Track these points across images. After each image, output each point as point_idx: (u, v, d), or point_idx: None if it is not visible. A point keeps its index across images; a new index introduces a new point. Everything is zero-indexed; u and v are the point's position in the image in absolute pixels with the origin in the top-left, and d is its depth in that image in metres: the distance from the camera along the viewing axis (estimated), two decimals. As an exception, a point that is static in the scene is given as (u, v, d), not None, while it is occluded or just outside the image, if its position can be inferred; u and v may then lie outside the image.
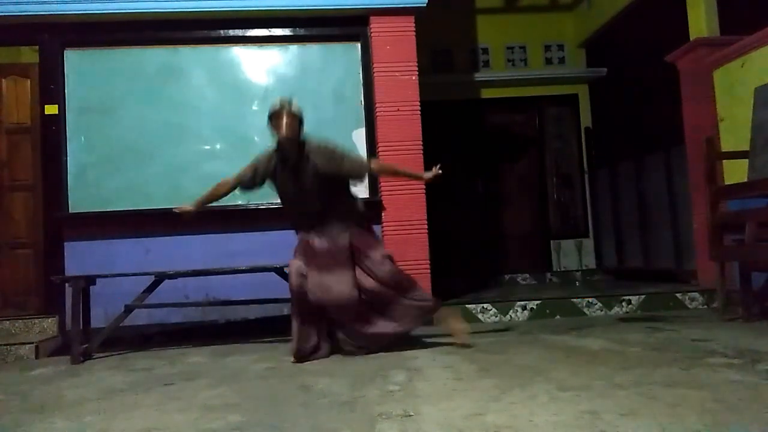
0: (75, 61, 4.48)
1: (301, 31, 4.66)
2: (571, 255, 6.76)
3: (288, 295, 4.08)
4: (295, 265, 3.21)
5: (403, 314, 3.22)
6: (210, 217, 4.42)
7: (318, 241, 3.22)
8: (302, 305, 3.20)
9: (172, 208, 3.50)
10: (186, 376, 2.95)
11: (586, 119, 6.87)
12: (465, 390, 2.30)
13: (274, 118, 3.13)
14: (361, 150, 4.62)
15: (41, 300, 4.40)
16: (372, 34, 4.59)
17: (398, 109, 4.53)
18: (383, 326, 3.21)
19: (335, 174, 3.15)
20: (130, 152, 4.46)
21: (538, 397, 2.11)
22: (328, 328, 3.28)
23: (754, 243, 3.52)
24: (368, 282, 3.18)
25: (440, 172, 3.30)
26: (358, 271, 3.19)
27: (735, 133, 4.35)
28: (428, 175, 3.34)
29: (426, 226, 4.46)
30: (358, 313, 3.16)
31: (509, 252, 6.76)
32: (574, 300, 4.46)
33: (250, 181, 3.32)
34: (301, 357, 3.17)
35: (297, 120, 3.13)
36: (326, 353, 3.27)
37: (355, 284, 3.13)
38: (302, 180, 3.16)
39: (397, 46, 4.57)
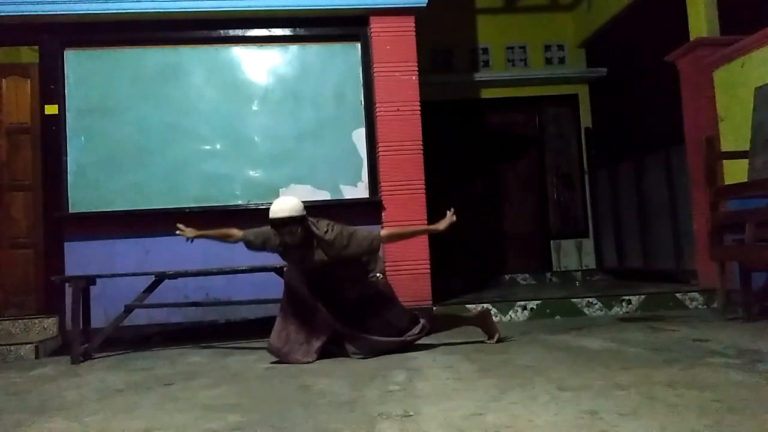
0: (75, 61, 4.48)
1: (301, 31, 4.66)
2: (571, 255, 6.76)
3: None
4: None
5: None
6: (210, 217, 4.42)
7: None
8: (292, 300, 3.19)
9: (176, 228, 3.49)
10: (186, 376, 2.95)
11: (586, 119, 6.87)
12: (465, 390, 2.30)
13: (273, 226, 3.07)
14: (362, 150, 4.62)
15: (41, 300, 4.40)
16: (372, 34, 4.59)
17: (398, 109, 4.53)
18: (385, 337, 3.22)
19: (342, 258, 3.10)
20: (130, 152, 4.46)
21: (538, 397, 2.11)
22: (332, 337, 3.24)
23: (754, 243, 3.52)
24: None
25: (454, 218, 3.21)
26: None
27: (735, 133, 4.35)
28: (442, 224, 3.22)
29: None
30: (356, 318, 3.16)
31: (509, 252, 6.76)
32: (574, 300, 4.46)
33: (256, 247, 3.30)
34: (275, 353, 3.16)
35: (296, 223, 3.02)
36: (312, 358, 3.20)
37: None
38: (311, 259, 3.11)
39: (397, 46, 4.57)
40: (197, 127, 4.54)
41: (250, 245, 3.31)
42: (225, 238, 3.40)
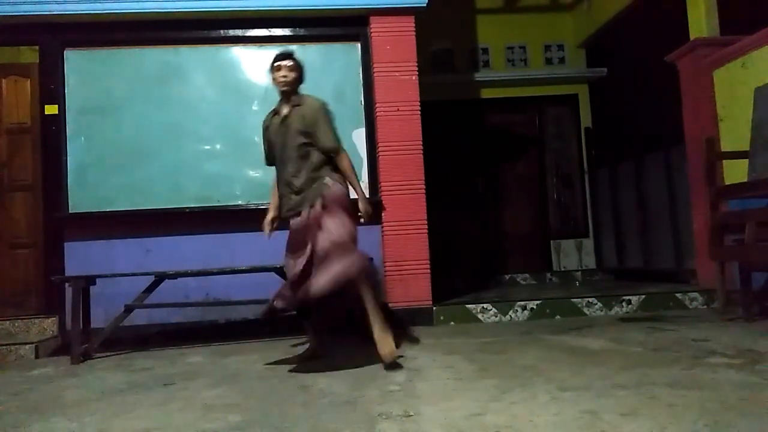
0: (75, 61, 4.48)
1: (301, 31, 4.66)
2: (571, 255, 6.76)
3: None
4: (285, 261, 3.16)
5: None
6: (210, 217, 4.43)
7: (293, 222, 3.12)
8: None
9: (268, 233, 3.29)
10: (186, 376, 2.95)
11: (586, 119, 6.87)
12: (465, 390, 2.30)
13: (273, 68, 3.14)
14: (362, 150, 4.63)
15: (41, 300, 4.40)
16: (372, 34, 4.59)
17: (398, 109, 4.53)
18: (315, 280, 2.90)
19: (307, 133, 3.06)
20: (130, 152, 4.46)
21: (538, 397, 2.11)
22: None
23: (754, 243, 3.52)
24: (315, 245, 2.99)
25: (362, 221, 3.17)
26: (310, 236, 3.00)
27: (735, 133, 4.35)
28: (361, 205, 3.18)
29: (426, 226, 4.46)
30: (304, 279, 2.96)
31: (509, 252, 6.76)
32: (574, 300, 4.46)
33: (266, 153, 3.32)
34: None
35: (295, 71, 3.12)
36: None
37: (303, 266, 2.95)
38: (288, 133, 3.10)
39: (397, 46, 4.57)
40: (197, 127, 4.54)
41: (268, 157, 3.33)
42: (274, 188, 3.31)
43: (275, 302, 3.02)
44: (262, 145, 3.35)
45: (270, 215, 3.29)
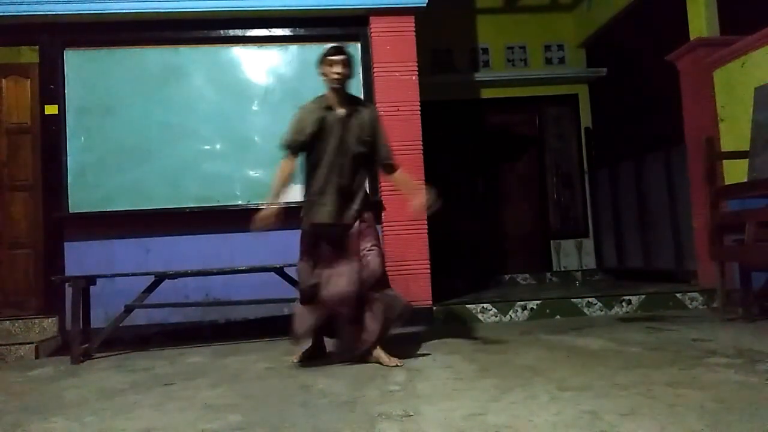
0: (75, 61, 4.48)
1: (301, 31, 4.66)
2: (571, 255, 6.76)
3: (287, 295, 4.10)
4: (304, 268, 3.08)
5: (378, 312, 2.97)
6: (210, 217, 4.43)
7: (328, 230, 3.01)
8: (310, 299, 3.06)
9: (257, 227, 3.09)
10: (186, 376, 2.95)
11: (586, 119, 6.87)
12: (465, 390, 2.30)
13: (324, 63, 3.02)
14: (361, 150, 4.62)
15: (41, 300, 4.40)
16: (372, 34, 4.60)
17: (398, 109, 4.53)
18: (370, 329, 2.98)
19: (366, 142, 3.02)
20: (130, 152, 4.46)
21: (538, 397, 2.11)
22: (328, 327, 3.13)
23: (754, 243, 3.52)
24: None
25: (431, 206, 3.07)
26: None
27: (735, 133, 4.35)
28: (419, 199, 3.06)
29: (426, 226, 4.46)
30: (355, 313, 2.98)
31: (509, 252, 6.76)
32: (574, 300, 4.46)
33: (299, 143, 3.06)
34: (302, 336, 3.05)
35: (348, 66, 3.03)
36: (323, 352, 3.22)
37: (355, 279, 2.93)
38: (347, 139, 3.01)
39: (397, 46, 4.57)
40: (197, 127, 4.54)
41: (295, 145, 3.07)
42: (287, 180, 3.13)
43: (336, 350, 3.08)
44: (290, 133, 3.08)
45: (276, 209, 3.04)
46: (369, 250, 2.99)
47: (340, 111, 3.05)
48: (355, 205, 3.04)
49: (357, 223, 3.03)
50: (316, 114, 3.04)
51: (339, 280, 2.95)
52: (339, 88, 3.04)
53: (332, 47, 3.06)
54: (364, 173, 3.12)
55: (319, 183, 3.03)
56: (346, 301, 2.93)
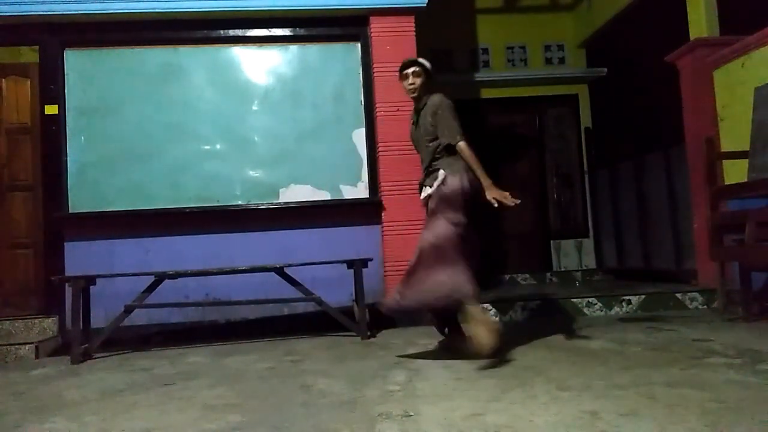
0: (75, 61, 4.49)
1: (301, 31, 4.66)
2: (571, 255, 6.75)
3: (287, 295, 4.11)
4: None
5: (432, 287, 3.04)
6: (210, 217, 4.43)
7: (429, 200, 3.23)
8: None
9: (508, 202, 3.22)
10: (186, 376, 2.95)
11: (586, 119, 6.86)
12: (465, 390, 2.30)
13: (400, 77, 3.31)
14: (362, 150, 4.63)
15: (41, 300, 4.40)
16: (372, 34, 4.60)
17: (398, 109, 4.53)
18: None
19: (433, 126, 3.20)
20: (130, 152, 4.46)
21: (538, 397, 2.11)
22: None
23: (754, 243, 3.52)
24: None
25: (511, 203, 3.16)
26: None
27: (735, 133, 4.35)
28: (488, 194, 3.15)
29: (426, 226, 4.45)
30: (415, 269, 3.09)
31: (509, 252, 6.76)
32: (574, 300, 4.46)
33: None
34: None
35: (420, 76, 3.25)
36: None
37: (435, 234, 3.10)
38: (420, 128, 3.28)
39: (397, 46, 4.57)
40: (197, 127, 4.54)
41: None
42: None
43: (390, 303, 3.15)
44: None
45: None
46: (424, 231, 3.27)
47: (415, 117, 3.36)
48: (429, 185, 3.21)
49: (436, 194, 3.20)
50: (412, 119, 3.42)
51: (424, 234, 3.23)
52: (415, 96, 3.29)
53: (404, 62, 3.31)
54: (436, 155, 3.23)
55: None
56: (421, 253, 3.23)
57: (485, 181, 3.15)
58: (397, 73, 3.33)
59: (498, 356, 2.85)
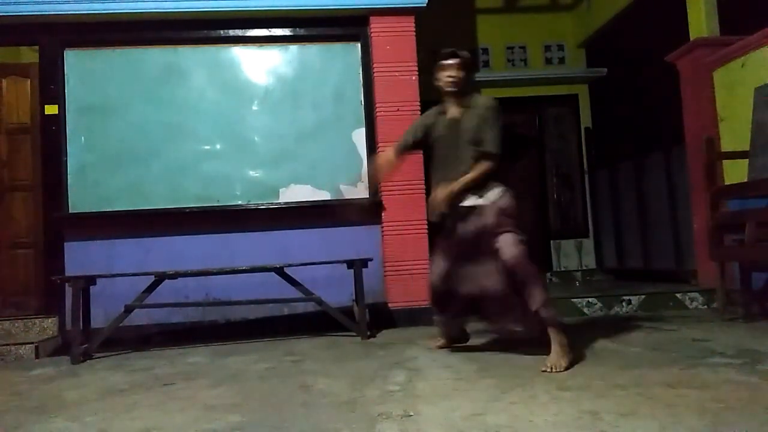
0: (75, 61, 4.48)
1: (301, 31, 4.66)
2: (571, 255, 6.75)
3: (287, 295, 4.11)
4: (436, 270, 3.08)
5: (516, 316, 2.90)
6: (210, 217, 4.43)
7: (461, 225, 3.00)
8: (441, 300, 3.06)
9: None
10: (186, 376, 2.95)
11: (586, 119, 6.86)
12: (465, 390, 2.30)
13: (438, 68, 3.02)
14: (362, 150, 4.63)
15: (41, 300, 4.40)
16: (372, 34, 4.59)
17: (398, 109, 4.53)
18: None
19: (477, 136, 2.93)
20: (130, 152, 4.46)
21: (538, 397, 2.11)
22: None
23: (754, 243, 3.52)
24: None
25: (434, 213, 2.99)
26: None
27: (735, 133, 4.35)
28: (443, 194, 2.94)
29: (426, 226, 4.45)
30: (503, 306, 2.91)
31: (509, 252, 6.74)
32: (574, 300, 4.46)
33: (413, 142, 3.18)
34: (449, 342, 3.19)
35: (463, 70, 2.99)
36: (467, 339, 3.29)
37: (499, 277, 2.87)
38: (460, 136, 2.97)
39: (397, 46, 4.57)
40: (197, 127, 4.54)
41: (407, 145, 3.20)
42: (392, 155, 3.24)
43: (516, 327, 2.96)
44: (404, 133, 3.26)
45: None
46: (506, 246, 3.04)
47: (453, 112, 3.03)
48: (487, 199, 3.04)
49: (490, 219, 3.07)
50: (431, 118, 3.13)
51: (480, 279, 3.00)
52: (454, 92, 3.00)
53: (445, 51, 3.03)
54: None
55: (438, 178, 3.04)
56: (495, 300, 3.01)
57: (456, 184, 2.92)
58: (441, 63, 3.02)
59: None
